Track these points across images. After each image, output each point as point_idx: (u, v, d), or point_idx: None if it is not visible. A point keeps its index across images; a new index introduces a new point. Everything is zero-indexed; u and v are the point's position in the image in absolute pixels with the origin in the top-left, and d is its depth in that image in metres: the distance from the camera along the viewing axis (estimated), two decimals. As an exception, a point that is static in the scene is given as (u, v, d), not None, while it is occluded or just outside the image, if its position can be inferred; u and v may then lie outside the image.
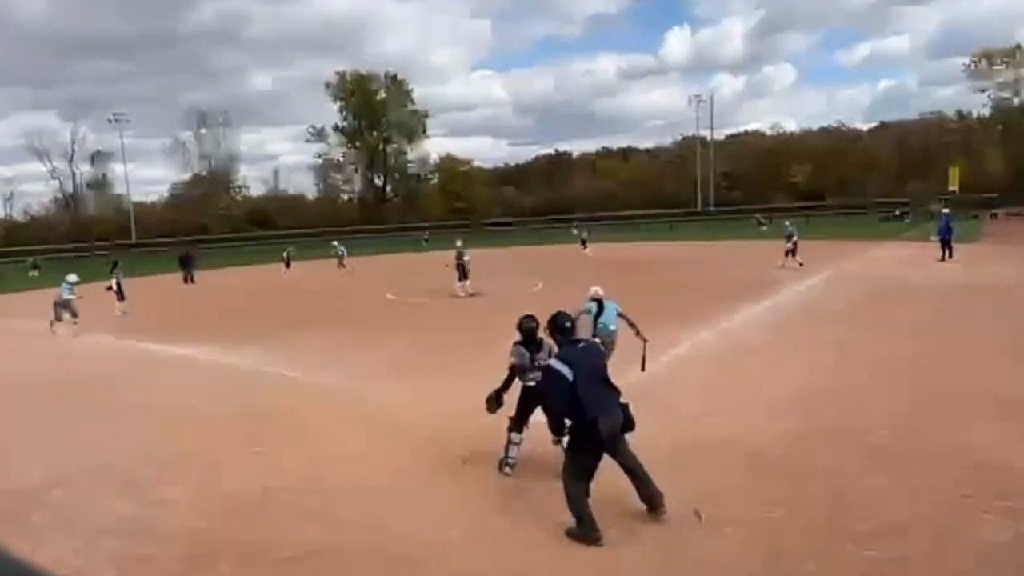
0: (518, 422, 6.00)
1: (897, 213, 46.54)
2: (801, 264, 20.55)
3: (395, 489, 5.63)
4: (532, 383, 5.86)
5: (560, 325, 5.00)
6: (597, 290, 8.48)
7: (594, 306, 8.38)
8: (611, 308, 8.24)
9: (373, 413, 7.89)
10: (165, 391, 9.59)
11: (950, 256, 20.64)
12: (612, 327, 8.17)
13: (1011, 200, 48.93)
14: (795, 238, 21.02)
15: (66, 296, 15.54)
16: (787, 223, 22.97)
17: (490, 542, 4.68)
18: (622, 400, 4.77)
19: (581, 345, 4.95)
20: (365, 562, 4.49)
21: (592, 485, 4.66)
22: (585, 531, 4.56)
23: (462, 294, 18.37)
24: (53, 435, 7.70)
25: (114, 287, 18.77)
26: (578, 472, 4.67)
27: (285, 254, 32.50)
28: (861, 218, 48.82)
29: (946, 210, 23.52)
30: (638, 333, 7.51)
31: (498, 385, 6.06)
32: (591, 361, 4.81)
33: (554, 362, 4.80)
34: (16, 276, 36.70)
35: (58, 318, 15.49)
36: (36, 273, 37.03)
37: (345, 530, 4.97)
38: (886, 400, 7.37)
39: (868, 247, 26.90)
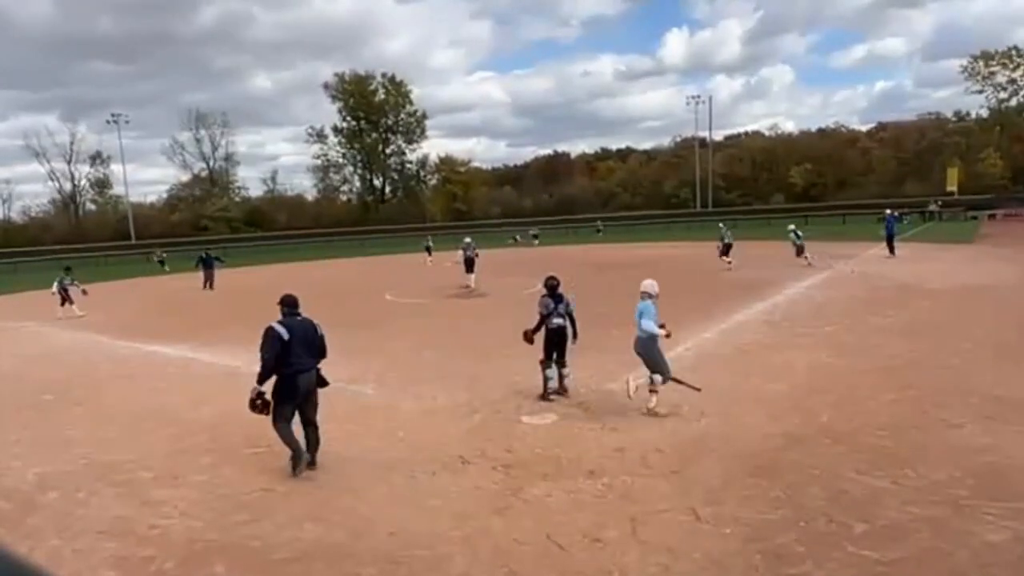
0: (547, 359, 7.82)
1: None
2: (809, 263, 21.34)
3: (394, 489, 5.62)
4: (554, 326, 7.84)
5: (287, 302, 6.26)
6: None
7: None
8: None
9: (371, 414, 7.88)
10: (163, 392, 9.57)
11: (891, 253, 23.08)
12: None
13: (1009, 201, 48.98)
14: (726, 240, 22.48)
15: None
16: (721, 225, 24.59)
17: (490, 542, 4.67)
18: (319, 366, 6.19)
19: (299, 319, 6.19)
20: (364, 562, 4.48)
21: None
22: (294, 459, 5.96)
23: (471, 285, 19.80)
24: (50, 436, 7.68)
25: (56, 291, 18.33)
26: (282, 415, 5.99)
27: (429, 244, 33.27)
28: (859, 218, 48.79)
29: (888, 211, 25.73)
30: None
31: (531, 327, 8.00)
32: (304, 331, 6.11)
33: (276, 325, 6.01)
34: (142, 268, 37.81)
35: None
36: (167, 267, 36.80)
37: (343, 530, 4.96)
38: (886, 400, 7.37)
39: (867, 247, 26.87)
